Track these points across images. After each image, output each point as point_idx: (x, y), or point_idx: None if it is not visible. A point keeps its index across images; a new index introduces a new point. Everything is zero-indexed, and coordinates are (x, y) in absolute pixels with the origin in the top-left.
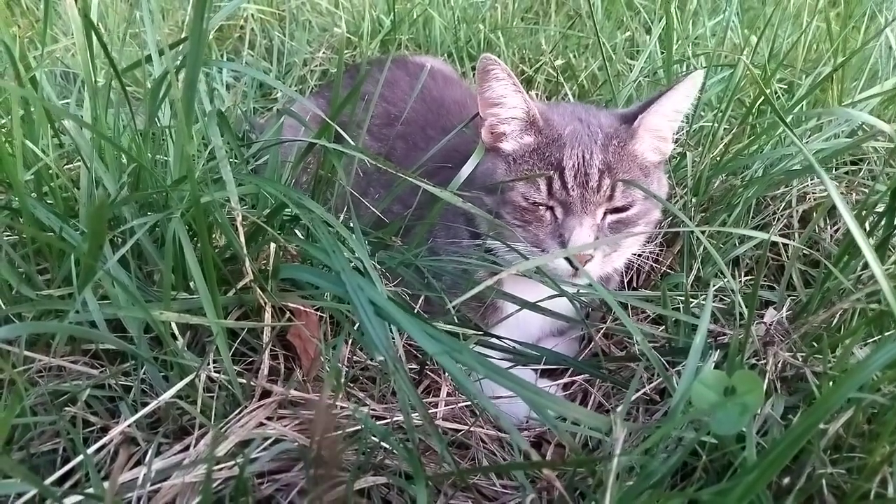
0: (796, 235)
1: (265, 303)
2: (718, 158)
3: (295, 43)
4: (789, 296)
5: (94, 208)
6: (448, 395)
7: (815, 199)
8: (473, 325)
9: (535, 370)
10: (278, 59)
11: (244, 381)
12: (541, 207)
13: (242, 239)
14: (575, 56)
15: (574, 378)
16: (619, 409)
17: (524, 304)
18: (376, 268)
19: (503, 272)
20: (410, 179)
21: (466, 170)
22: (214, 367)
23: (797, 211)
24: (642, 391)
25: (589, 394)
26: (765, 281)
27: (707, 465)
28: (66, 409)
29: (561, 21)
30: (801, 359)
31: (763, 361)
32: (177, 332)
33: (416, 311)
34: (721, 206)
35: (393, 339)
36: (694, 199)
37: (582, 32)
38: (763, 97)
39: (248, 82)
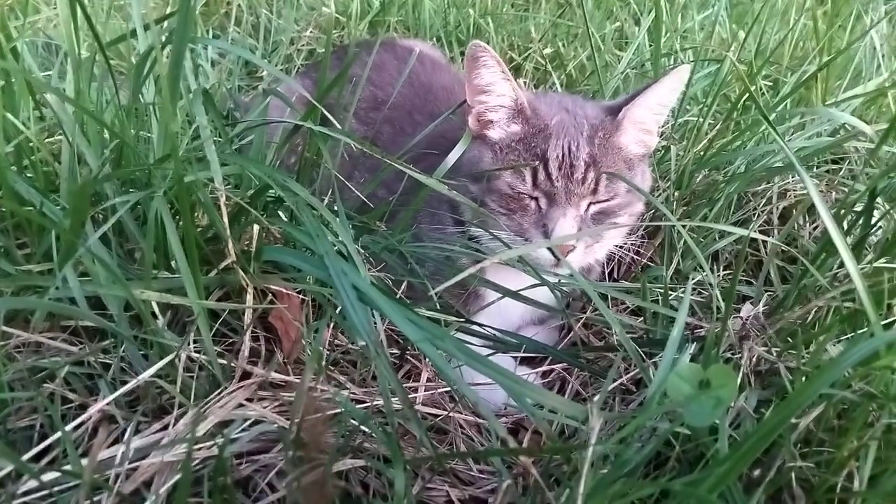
0: (776, 232)
1: (247, 284)
2: (702, 153)
3: (282, 21)
4: (766, 291)
5: (78, 186)
6: (428, 380)
7: (795, 197)
8: (455, 312)
9: (515, 358)
10: (265, 36)
11: (224, 361)
12: (525, 197)
13: (226, 219)
14: (564, 45)
15: (553, 367)
16: (595, 398)
17: (506, 293)
18: (360, 252)
19: (487, 260)
20: (396, 165)
21: (453, 157)
22: (195, 347)
23: (777, 207)
24: (619, 381)
25: (567, 382)
26: (743, 276)
27: (680, 455)
28: (45, 385)
29: (551, 9)
30: (775, 354)
31: (738, 355)
32: (157, 312)
33: (398, 296)
34: (703, 200)
35: (375, 324)
36: (676, 193)
37: (572, 21)
38: (748, 94)
39: (234, 60)
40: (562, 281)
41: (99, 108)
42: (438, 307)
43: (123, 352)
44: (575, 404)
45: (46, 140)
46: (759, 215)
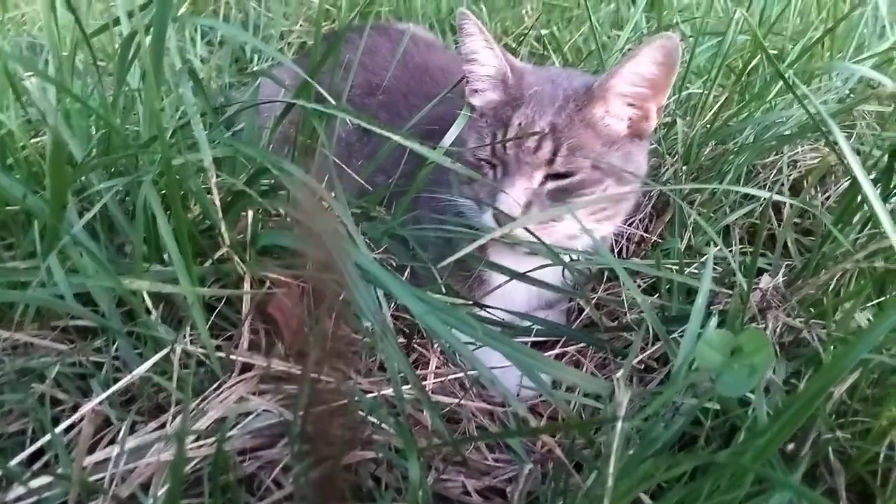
0: (787, 203)
1: (244, 272)
2: (708, 126)
3: (272, 15)
4: (784, 262)
5: (52, 156)
6: (437, 367)
7: (805, 167)
8: (461, 297)
9: (525, 344)
10: (254, 32)
11: (223, 354)
12: (485, 165)
13: (217, 202)
14: (559, 28)
15: (566, 349)
16: (619, 372)
17: (513, 275)
18: (361, 233)
19: (481, 238)
20: (398, 140)
21: (453, 131)
22: (191, 339)
23: (787, 178)
24: (637, 359)
25: (581, 365)
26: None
27: (709, 432)
28: (35, 386)
29: None
30: (801, 323)
31: (762, 326)
32: (150, 305)
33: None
34: (712, 173)
35: (380, 306)
36: (684, 168)
37: (566, 3)
38: (760, 58)
39: (224, 56)
40: (574, 259)
41: (84, 96)
42: (444, 292)
43: (116, 349)
44: (598, 380)
45: (32, 140)
46: (769, 187)
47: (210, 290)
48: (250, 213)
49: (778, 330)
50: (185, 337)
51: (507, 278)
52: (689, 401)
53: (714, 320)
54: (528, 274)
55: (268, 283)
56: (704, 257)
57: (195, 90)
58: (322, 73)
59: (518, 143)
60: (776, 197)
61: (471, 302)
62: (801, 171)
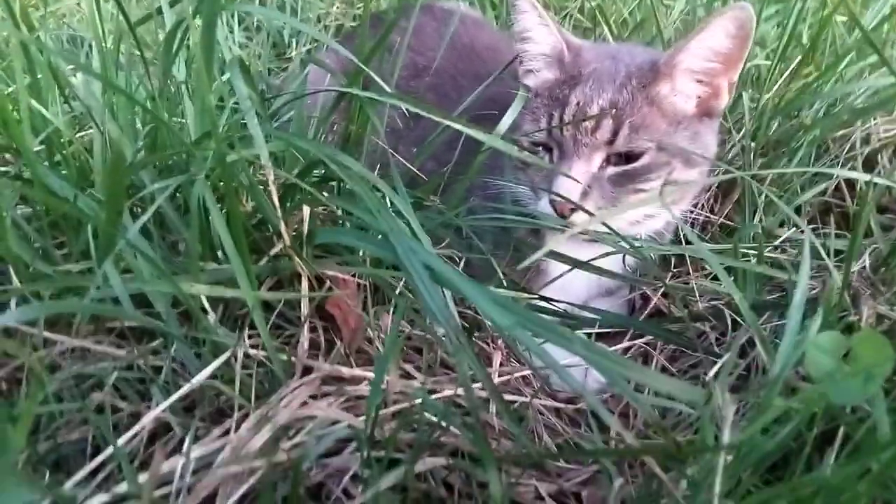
0: (869, 180)
1: (302, 271)
2: (778, 99)
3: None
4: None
5: (110, 166)
6: (500, 364)
7: (879, 140)
8: (521, 289)
9: (589, 335)
10: (291, 15)
11: (284, 357)
12: (541, 149)
13: (275, 199)
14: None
15: (633, 342)
16: (716, 377)
17: (575, 264)
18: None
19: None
20: (453, 125)
21: (509, 116)
22: (250, 343)
23: (861, 153)
24: (725, 357)
25: (650, 357)
26: (829, 230)
27: (811, 441)
28: (93, 394)
29: None
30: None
31: (855, 317)
32: (207, 307)
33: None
34: (782, 150)
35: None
36: (753, 144)
37: None
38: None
39: (262, 42)
40: (640, 246)
41: (129, 89)
42: (505, 285)
43: (175, 353)
44: (691, 386)
45: (77, 135)
46: (842, 163)
47: (270, 294)
48: (306, 209)
49: (871, 321)
50: (244, 340)
51: (568, 267)
52: (790, 404)
53: (818, 319)
54: (589, 262)
55: (327, 283)
56: (779, 240)
57: (246, 81)
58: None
59: (575, 123)
60: (855, 174)
61: (535, 296)
62: (874, 146)
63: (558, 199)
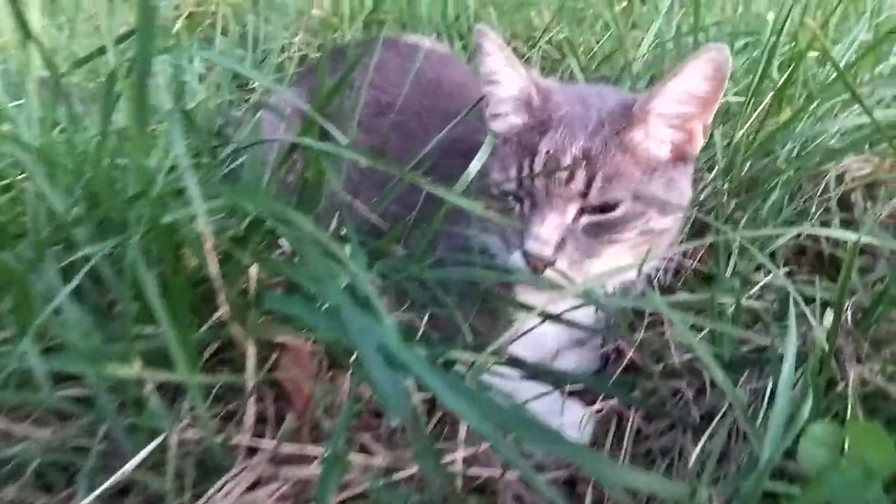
0: (836, 220)
1: (246, 341)
2: (750, 137)
3: (271, 27)
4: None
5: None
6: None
7: (853, 179)
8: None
9: (562, 391)
10: (253, 45)
11: (222, 440)
12: (511, 198)
13: (214, 266)
14: (570, 30)
15: (606, 402)
16: (693, 466)
17: (546, 317)
18: (380, 293)
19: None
20: (412, 180)
21: (476, 164)
22: (189, 420)
23: (835, 195)
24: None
25: (625, 418)
26: (805, 273)
27: None
28: (7, 486)
29: None
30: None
31: (841, 382)
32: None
33: (420, 330)
34: (757, 190)
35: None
36: (726, 185)
37: (579, 3)
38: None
39: (223, 73)
40: (607, 298)
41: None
42: (471, 342)
43: (106, 430)
44: (675, 484)
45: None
46: (816, 204)
47: (210, 378)
48: (253, 270)
49: (856, 384)
50: (183, 419)
51: (539, 320)
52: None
53: (809, 401)
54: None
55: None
56: (756, 287)
57: (189, 131)
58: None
59: (547, 173)
60: (839, 233)
61: (500, 359)
62: (848, 186)
63: (531, 253)
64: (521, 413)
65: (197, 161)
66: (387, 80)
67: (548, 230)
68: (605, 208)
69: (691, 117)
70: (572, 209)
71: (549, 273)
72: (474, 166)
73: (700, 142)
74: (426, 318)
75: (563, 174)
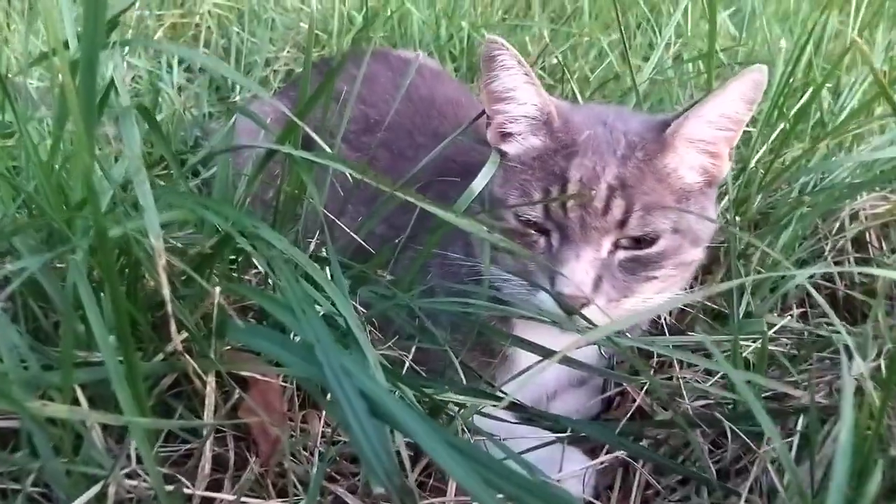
0: (850, 260)
1: (203, 379)
2: (763, 170)
3: (257, 40)
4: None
5: None
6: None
7: (867, 218)
8: (483, 381)
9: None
10: (237, 58)
11: (178, 484)
12: (533, 231)
13: (166, 287)
14: (563, 58)
15: (614, 453)
16: None
17: (546, 355)
18: (361, 319)
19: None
20: (405, 196)
21: (479, 182)
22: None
23: (850, 232)
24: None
25: (631, 470)
26: (822, 317)
27: None
28: None
29: (545, 22)
30: None
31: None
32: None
33: (406, 365)
34: (767, 226)
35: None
36: (738, 219)
37: (574, 30)
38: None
39: (202, 84)
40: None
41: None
42: (462, 377)
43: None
44: None
45: None
46: (830, 243)
47: (157, 423)
48: (217, 293)
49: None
50: (126, 463)
51: (538, 357)
52: None
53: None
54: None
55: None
56: (773, 329)
57: (150, 132)
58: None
59: (581, 202)
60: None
61: (495, 402)
62: (864, 224)
63: (567, 294)
64: (516, 467)
65: (163, 171)
66: (376, 95)
67: (583, 268)
68: (643, 241)
69: (724, 141)
70: (607, 242)
71: (586, 312)
72: (478, 184)
73: (728, 165)
74: (413, 351)
75: (600, 204)
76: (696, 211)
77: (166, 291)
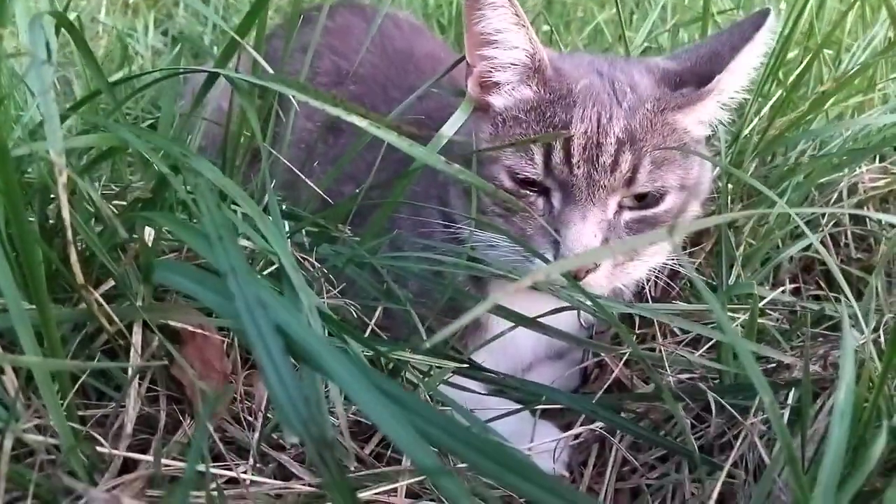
0: (848, 233)
1: (110, 324)
2: (757, 137)
3: (238, 3)
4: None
5: None
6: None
7: (865, 191)
8: (450, 347)
9: (534, 411)
10: (213, 26)
11: (100, 439)
12: (531, 190)
13: (66, 209)
14: (557, 31)
15: (589, 426)
16: None
17: (520, 321)
18: (313, 267)
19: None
20: (379, 133)
21: (449, 128)
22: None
23: (848, 205)
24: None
25: (607, 444)
26: (814, 289)
27: None
28: None
29: None
30: None
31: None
32: None
33: (369, 328)
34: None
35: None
36: (731, 186)
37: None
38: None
39: (178, 48)
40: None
41: None
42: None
43: None
44: None
45: None
46: (826, 214)
47: (59, 363)
48: (147, 230)
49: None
50: (28, 412)
51: (511, 324)
52: None
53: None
54: (541, 319)
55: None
56: (763, 301)
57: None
58: (276, 56)
59: (587, 158)
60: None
61: (465, 362)
62: (861, 196)
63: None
64: (481, 434)
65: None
66: (349, 48)
67: (591, 230)
68: (650, 200)
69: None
70: (613, 202)
71: (589, 279)
72: (447, 130)
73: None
74: (378, 313)
75: (608, 159)
76: (698, 164)
77: (66, 212)
